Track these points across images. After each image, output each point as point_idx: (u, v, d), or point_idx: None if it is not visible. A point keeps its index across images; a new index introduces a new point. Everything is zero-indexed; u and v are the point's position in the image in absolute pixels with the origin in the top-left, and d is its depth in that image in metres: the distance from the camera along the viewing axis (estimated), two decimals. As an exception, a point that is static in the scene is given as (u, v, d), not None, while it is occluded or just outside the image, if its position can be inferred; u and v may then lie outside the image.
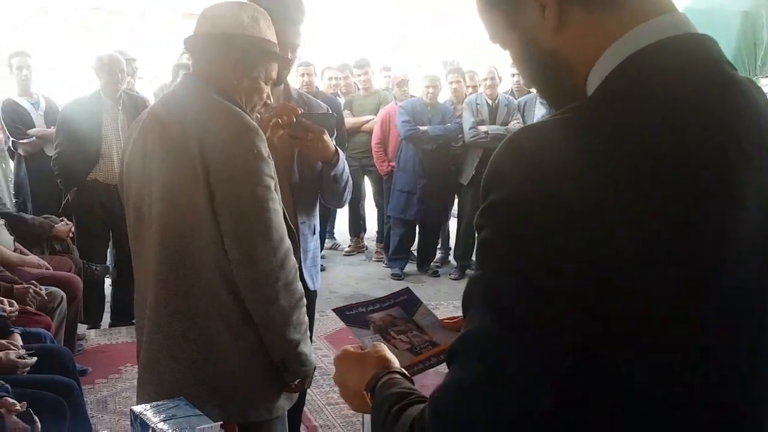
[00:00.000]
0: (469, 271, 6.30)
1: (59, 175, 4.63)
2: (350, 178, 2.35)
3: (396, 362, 1.04)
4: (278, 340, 1.77)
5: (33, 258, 4.05)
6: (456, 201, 6.45)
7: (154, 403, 1.41)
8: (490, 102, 6.02)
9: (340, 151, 2.24)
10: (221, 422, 1.29)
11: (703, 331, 0.76)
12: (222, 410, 1.69)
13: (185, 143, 1.70)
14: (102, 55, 4.72)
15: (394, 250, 6.29)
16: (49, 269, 4.01)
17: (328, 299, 5.15)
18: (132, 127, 1.94)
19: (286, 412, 1.94)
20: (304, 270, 2.24)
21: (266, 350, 1.79)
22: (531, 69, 0.90)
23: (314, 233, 2.38)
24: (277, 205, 1.73)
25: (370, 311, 1.29)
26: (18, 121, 5.37)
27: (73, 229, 4.52)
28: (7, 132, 5.46)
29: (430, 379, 1.13)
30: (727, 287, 0.76)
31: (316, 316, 2.79)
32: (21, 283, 3.53)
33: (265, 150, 1.73)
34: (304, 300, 1.82)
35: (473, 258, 6.41)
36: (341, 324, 1.29)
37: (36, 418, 2.23)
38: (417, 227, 6.31)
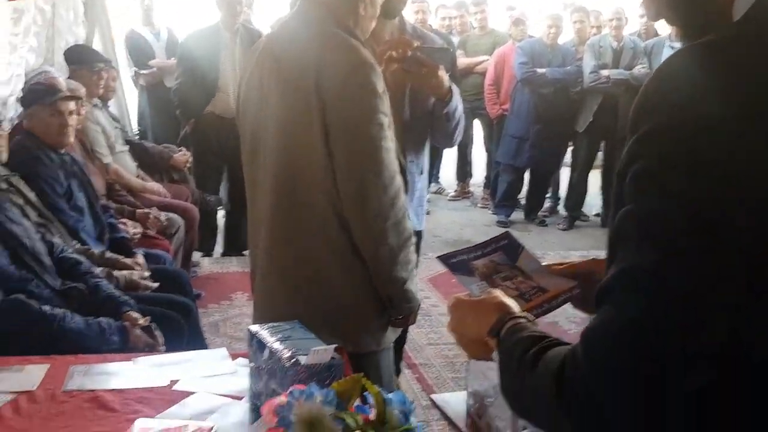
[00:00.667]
0: (579, 222, 6.11)
1: (178, 106, 4.76)
2: (463, 117, 2.28)
3: (516, 307, 1.00)
4: (385, 277, 1.77)
5: (154, 185, 4.24)
6: (570, 149, 6.21)
7: (271, 323, 1.42)
8: (614, 44, 5.68)
9: (454, 87, 2.17)
10: (335, 345, 1.29)
11: None
12: (333, 338, 1.70)
13: (301, 80, 1.69)
14: (222, -14, 4.76)
15: (501, 197, 6.17)
16: (167, 196, 4.20)
17: (432, 243, 5.12)
18: (248, 57, 1.94)
19: (392, 345, 1.95)
20: (409, 209, 2.22)
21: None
22: None
23: (422, 173, 2.36)
24: (389, 143, 1.71)
25: (472, 258, 1.25)
26: (140, 51, 5.57)
27: (190, 159, 4.68)
28: (130, 62, 5.69)
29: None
30: None
31: (419, 258, 2.78)
32: (143, 208, 3.71)
33: (381, 86, 1.69)
34: (413, 239, 1.81)
35: (583, 209, 6.21)
36: (443, 268, 1.25)
37: (158, 333, 2.36)
38: (526, 174, 6.15)
